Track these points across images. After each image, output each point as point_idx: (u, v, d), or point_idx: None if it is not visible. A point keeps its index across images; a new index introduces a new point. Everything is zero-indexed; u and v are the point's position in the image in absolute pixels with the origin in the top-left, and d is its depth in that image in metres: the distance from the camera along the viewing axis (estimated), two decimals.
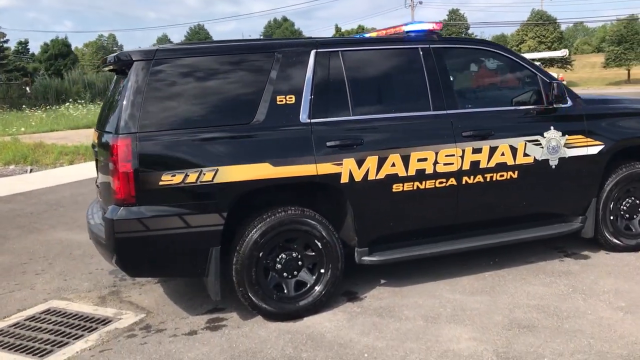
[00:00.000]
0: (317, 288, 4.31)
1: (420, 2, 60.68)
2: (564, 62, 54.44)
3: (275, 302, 4.22)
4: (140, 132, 3.88)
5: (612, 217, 5.25)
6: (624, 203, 5.30)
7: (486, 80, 5.29)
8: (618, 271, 4.88)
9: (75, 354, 3.94)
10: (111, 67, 4.65)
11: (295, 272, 4.31)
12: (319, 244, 4.27)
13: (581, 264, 5.11)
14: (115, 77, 4.93)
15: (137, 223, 3.88)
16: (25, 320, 4.56)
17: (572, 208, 5.10)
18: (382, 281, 4.89)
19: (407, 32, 4.84)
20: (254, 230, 4.11)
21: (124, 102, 3.93)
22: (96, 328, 4.34)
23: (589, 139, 4.96)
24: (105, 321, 4.46)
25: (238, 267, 4.10)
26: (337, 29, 69.84)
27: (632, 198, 5.31)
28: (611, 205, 5.22)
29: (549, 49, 56.02)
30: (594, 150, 4.98)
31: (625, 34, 61.42)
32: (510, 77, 5.08)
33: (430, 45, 4.67)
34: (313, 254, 4.31)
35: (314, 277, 4.33)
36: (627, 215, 5.33)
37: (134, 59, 3.99)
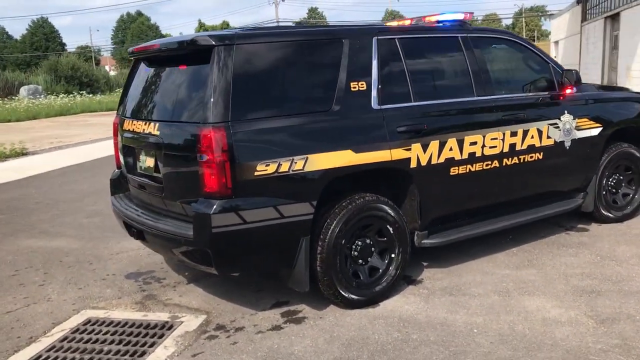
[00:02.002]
0: (391, 272, 4.35)
1: (283, 0, 61.72)
2: None
3: (356, 289, 4.20)
4: (233, 120, 3.68)
5: (604, 193, 5.84)
6: (611, 179, 5.91)
7: (511, 68, 5.63)
8: (623, 239, 5.44)
9: None
10: (164, 53, 4.32)
11: (369, 259, 4.31)
12: (390, 228, 4.31)
13: (587, 235, 5.62)
14: (147, 64, 4.59)
15: (235, 216, 3.68)
16: (71, 333, 4.11)
17: (580, 185, 5.60)
18: (425, 264, 5.03)
19: (440, 21, 5.02)
20: (337, 218, 4.06)
21: (211, 89, 3.68)
22: (163, 334, 4.03)
23: (591, 122, 5.47)
24: (166, 326, 4.15)
25: (324, 256, 4.03)
26: (201, 25, 68.47)
27: (618, 174, 5.94)
28: (604, 182, 5.81)
29: None
30: (596, 131, 5.51)
31: None
32: (528, 66, 5.44)
33: (468, 35, 4.89)
34: (384, 239, 4.34)
35: (385, 262, 4.36)
36: (614, 190, 5.95)
37: (215, 43, 3.76)
